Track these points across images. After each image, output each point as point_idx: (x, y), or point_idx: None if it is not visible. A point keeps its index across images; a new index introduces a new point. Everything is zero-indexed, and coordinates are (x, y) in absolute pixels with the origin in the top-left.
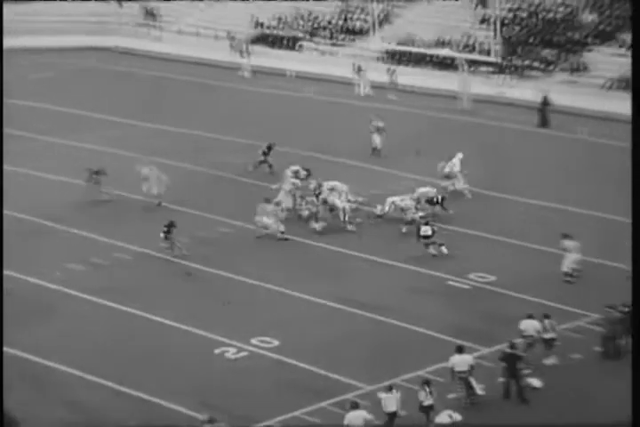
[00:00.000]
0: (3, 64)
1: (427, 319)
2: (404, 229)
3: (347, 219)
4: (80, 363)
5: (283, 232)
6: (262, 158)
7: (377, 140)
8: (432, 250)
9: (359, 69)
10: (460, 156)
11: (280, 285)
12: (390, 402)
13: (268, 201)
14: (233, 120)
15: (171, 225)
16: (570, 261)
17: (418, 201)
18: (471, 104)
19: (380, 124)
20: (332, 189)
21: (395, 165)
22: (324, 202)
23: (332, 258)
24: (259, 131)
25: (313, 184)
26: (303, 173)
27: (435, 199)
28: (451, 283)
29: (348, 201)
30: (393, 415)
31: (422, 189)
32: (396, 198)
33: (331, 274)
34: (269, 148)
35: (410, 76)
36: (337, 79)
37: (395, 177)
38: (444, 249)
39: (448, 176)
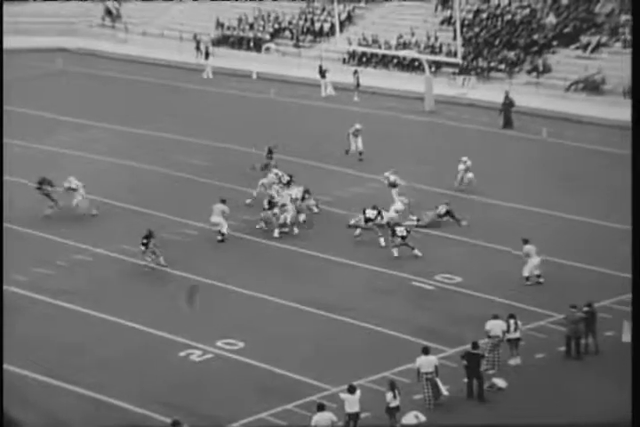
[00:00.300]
0: (3, 64)
1: (392, 320)
2: (357, 232)
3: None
4: (42, 367)
5: (223, 234)
6: (267, 161)
7: (358, 142)
8: (396, 253)
9: (322, 71)
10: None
11: (244, 286)
12: (352, 403)
13: (223, 201)
14: (196, 121)
15: (149, 236)
16: (531, 266)
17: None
18: (434, 105)
19: (359, 126)
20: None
21: (359, 166)
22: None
23: (296, 259)
24: (220, 132)
25: (294, 192)
26: (286, 179)
27: (445, 212)
28: (416, 284)
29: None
30: (355, 416)
31: (391, 214)
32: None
33: (295, 275)
34: (270, 150)
35: (373, 78)
36: (299, 80)
37: (360, 179)
38: (417, 252)
39: (393, 185)
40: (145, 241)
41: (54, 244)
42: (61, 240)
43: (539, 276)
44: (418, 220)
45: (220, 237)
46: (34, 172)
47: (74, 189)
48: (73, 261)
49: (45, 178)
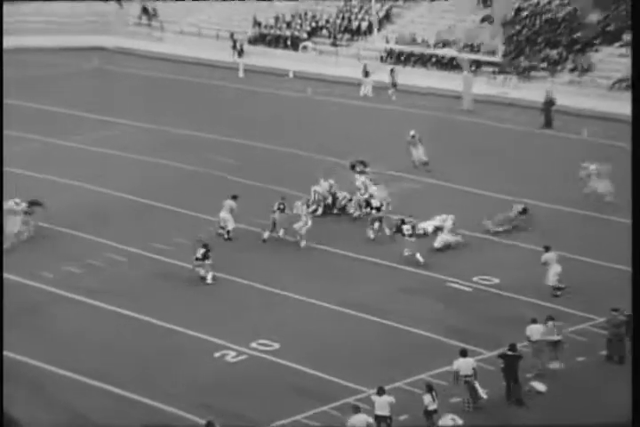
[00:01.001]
0: (3, 64)
1: (428, 322)
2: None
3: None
4: (78, 366)
5: (229, 231)
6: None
7: (419, 152)
8: (406, 252)
9: (367, 71)
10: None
11: (280, 287)
12: (381, 405)
13: (234, 197)
14: (231, 120)
15: (207, 250)
16: (552, 275)
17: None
18: (474, 104)
19: (413, 133)
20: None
21: (394, 166)
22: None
23: (331, 260)
24: (256, 131)
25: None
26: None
27: (521, 210)
28: (453, 285)
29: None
30: (383, 419)
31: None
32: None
33: (330, 276)
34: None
35: (411, 76)
36: (337, 79)
37: (391, 178)
38: (419, 257)
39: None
40: (200, 255)
41: (87, 242)
42: (94, 238)
43: (558, 289)
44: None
45: (225, 235)
46: (66, 169)
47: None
48: (105, 259)
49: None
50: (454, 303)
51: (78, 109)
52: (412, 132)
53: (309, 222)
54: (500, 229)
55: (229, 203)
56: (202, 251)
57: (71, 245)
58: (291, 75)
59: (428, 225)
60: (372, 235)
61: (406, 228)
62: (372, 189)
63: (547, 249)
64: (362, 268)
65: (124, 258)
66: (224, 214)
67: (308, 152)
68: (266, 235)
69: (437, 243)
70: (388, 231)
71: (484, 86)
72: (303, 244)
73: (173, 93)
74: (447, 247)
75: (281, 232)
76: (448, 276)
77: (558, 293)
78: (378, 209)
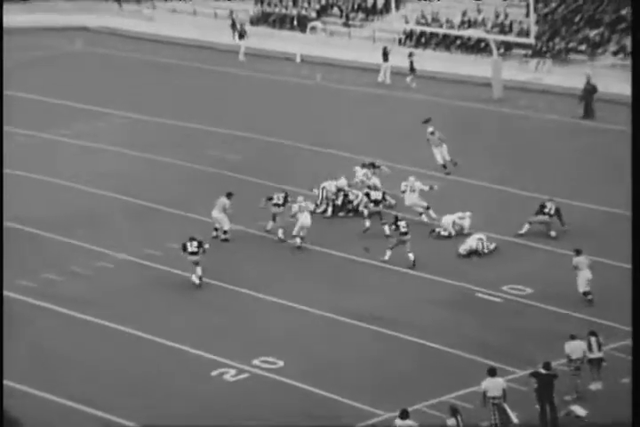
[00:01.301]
0: (3, 63)
1: (452, 337)
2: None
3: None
4: (60, 388)
5: (225, 232)
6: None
7: (443, 151)
8: (410, 252)
9: (386, 53)
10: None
11: (284, 296)
12: None
13: (228, 195)
14: (231, 110)
15: (199, 241)
16: (583, 280)
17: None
18: (503, 92)
19: (431, 129)
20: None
21: (413, 162)
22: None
23: (340, 265)
24: (259, 123)
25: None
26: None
27: (549, 210)
28: (480, 295)
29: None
30: None
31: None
32: (455, 217)
33: (339, 283)
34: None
35: (433, 61)
36: (349, 64)
37: (410, 175)
38: (411, 256)
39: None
40: (196, 248)
41: (70, 247)
42: (77, 243)
43: (586, 293)
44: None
45: (223, 236)
46: (46, 165)
47: None
48: (91, 267)
49: None
50: (481, 316)
51: (60, 98)
52: (430, 129)
53: (309, 220)
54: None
55: (222, 201)
56: (195, 243)
57: (53, 251)
58: (297, 59)
59: (448, 224)
60: (367, 223)
61: (402, 224)
62: (374, 180)
63: (577, 253)
64: (374, 274)
65: (111, 265)
66: (216, 214)
67: (317, 146)
68: (269, 226)
69: (462, 250)
70: (387, 230)
71: (515, 72)
72: (298, 242)
73: (166, 80)
74: (473, 253)
75: (280, 232)
76: (474, 284)
77: (590, 296)
78: (376, 203)
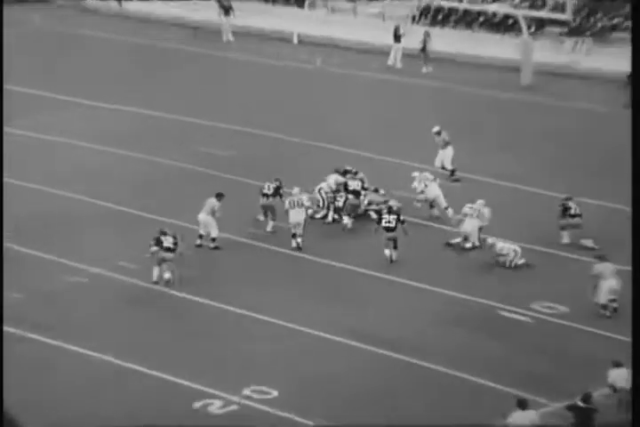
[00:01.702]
0: (3, 63)
1: (474, 363)
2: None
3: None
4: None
5: (213, 239)
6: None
7: (446, 155)
8: (388, 251)
9: (398, 34)
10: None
11: (277, 315)
12: None
13: (218, 196)
14: (216, 100)
15: (174, 237)
16: (605, 291)
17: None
18: (534, 77)
19: (437, 129)
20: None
21: (419, 158)
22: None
23: (341, 278)
24: (249, 115)
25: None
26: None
27: (574, 210)
28: (505, 314)
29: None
30: None
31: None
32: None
33: (341, 300)
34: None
35: (452, 42)
36: (354, 45)
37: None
38: (393, 254)
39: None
40: (172, 244)
41: (36, 261)
42: (44, 256)
43: (612, 301)
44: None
45: (212, 245)
46: (6, 163)
47: None
48: (60, 282)
49: None
50: (506, 338)
51: (18, 84)
52: (435, 128)
53: (301, 216)
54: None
55: (211, 203)
56: (170, 239)
57: (15, 265)
58: (295, 40)
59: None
60: (348, 223)
61: (387, 218)
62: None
63: (600, 259)
64: (380, 289)
65: (84, 279)
66: (204, 217)
67: (317, 141)
68: (269, 227)
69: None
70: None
71: (547, 53)
72: (294, 243)
73: (142, 63)
74: (502, 265)
75: (269, 226)
76: (498, 301)
77: (608, 313)
78: (356, 193)
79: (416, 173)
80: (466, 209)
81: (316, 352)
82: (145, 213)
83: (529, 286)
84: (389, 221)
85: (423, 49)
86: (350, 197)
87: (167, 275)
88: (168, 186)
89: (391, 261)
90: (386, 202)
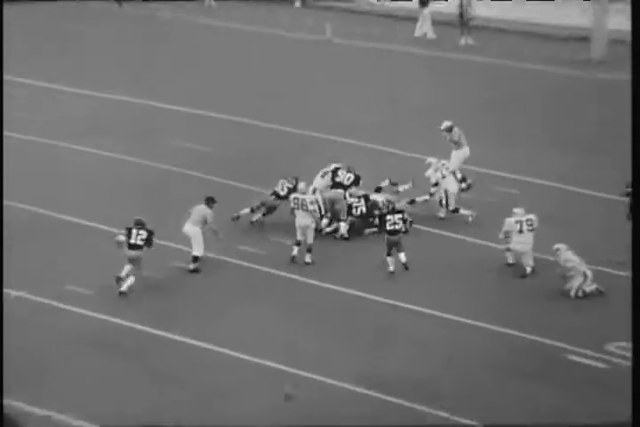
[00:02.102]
0: (3, 63)
1: (534, 419)
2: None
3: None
4: None
5: (196, 258)
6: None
7: (458, 157)
8: (391, 260)
9: None
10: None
11: (269, 356)
12: None
13: (209, 202)
14: (198, 81)
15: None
16: None
17: None
18: (608, 49)
19: (449, 124)
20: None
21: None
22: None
23: (346, 306)
24: (238, 100)
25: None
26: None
27: None
28: (573, 358)
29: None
30: None
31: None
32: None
33: (364, 339)
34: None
35: (499, 6)
36: (371, 10)
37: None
38: (403, 258)
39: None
40: (144, 239)
41: None
42: None
43: None
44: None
45: (192, 266)
46: None
47: None
48: None
49: None
50: (574, 389)
51: None
52: (446, 123)
53: (307, 220)
54: None
55: (201, 211)
56: (143, 233)
57: None
58: (297, 3)
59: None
60: (342, 228)
61: (391, 219)
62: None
63: None
64: (406, 322)
65: (24, 313)
66: (190, 228)
67: (324, 133)
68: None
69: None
70: (343, 228)
71: (625, 19)
72: (307, 258)
73: (108, 35)
74: (565, 293)
75: (256, 217)
76: (563, 341)
77: None
78: (344, 187)
79: (432, 159)
80: (511, 220)
81: (324, 404)
82: (105, 225)
83: (602, 320)
84: (395, 222)
85: (461, 15)
86: (340, 192)
87: (124, 286)
88: (135, 190)
89: (406, 268)
90: (366, 196)
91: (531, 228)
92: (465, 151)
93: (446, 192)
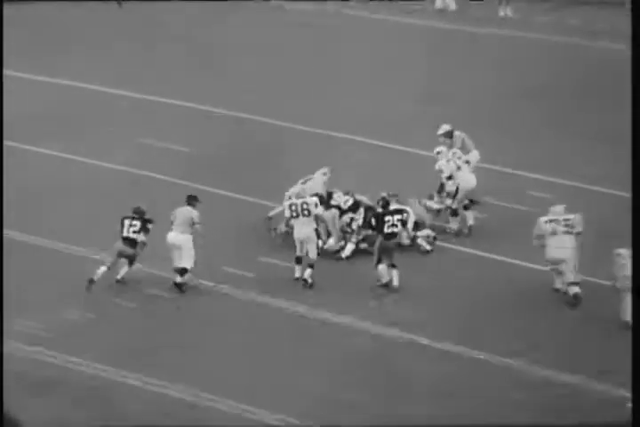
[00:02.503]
0: (3, 64)
1: None
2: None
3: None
4: None
5: (184, 270)
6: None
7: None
8: (384, 276)
9: None
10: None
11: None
12: None
13: (192, 201)
14: (187, 66)
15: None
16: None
17: None
18: None
19: (448, 128)
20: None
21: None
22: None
23: (373, 351)
24: (218, 88)
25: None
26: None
27: None
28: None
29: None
30: None
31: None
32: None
33: (368, 389)
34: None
35: None
36: None
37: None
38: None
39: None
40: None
41: None
42: None
43: None
44: None
45: (179, 279)
46: None
47: None
48: None
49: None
50: None
51: None
52: (444, 127)
53: (307, 230)
54: None
55: (185, 213)
56: (136, 224)
57: None
58: None
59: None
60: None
61: (390, 220)
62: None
63: None
64: (410, 361)
65: None
66: (176, 236)
67: (328, 129)
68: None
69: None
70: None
71: None
72: (306, 276)
73: (79, 19)
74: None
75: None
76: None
77: None
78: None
79: (442, 148)
80: (541, 220)
81: None
82: (52, 240)
83: None
84: (394, 224)
85: None
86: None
87: (120, 273)
88: (100, 199)
89: (393, 287)
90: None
91: (569, 229)
92: (473, 157)
93: (457, 186)
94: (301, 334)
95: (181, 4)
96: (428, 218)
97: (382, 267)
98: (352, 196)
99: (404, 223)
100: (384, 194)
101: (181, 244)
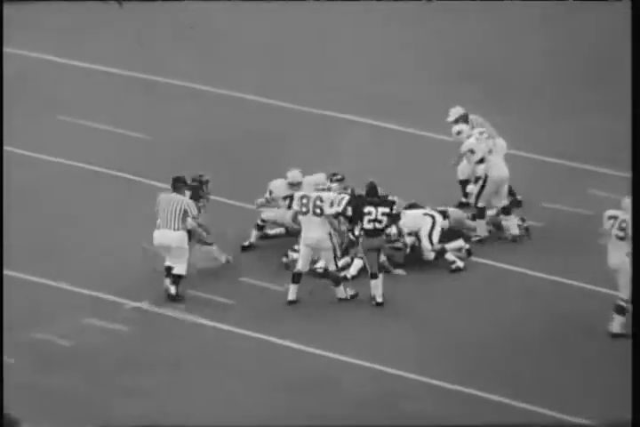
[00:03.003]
0: (2, 64)
1: None
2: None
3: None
4: None
5: (178, 277)
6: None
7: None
8: (375, 295)
9: None
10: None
11: None
12: None
13: (179, 185)
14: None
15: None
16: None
17: None
18: None
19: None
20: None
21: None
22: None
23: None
24: (221, 67)
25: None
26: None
27: None
28: None
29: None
30: None
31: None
32: None
33: None
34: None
35: None
36: None
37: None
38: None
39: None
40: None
41: None
42: None
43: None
44: None
45: (172, 290)
46: None
47: None
48: None
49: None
50: None
51: None
52: (454, 113)
53: (318, 234)
54: None
55: (176, 201)
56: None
57: None
58: None
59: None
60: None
61: (372, 213)
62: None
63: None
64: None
65: None
66: (166, 235)
67: (336, 111)
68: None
69: None
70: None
71: None
72: (348, 293)
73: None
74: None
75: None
76: None
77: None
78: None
79: (463, 126)
80: (606, 214)
81: None
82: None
83: None
84: (377, 220)
85: None
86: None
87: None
88: (68, 199)
89: (377, 304)
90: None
91: (621, 233)
92: (498, 146)
93: (486, 175)
94: (284, 371)
95: (184, 4)
96: (468, 225)
97: (375, 282)
98: (351, 192)
99: (393, 219)
100: (372, 179)
101: (174, 243)
